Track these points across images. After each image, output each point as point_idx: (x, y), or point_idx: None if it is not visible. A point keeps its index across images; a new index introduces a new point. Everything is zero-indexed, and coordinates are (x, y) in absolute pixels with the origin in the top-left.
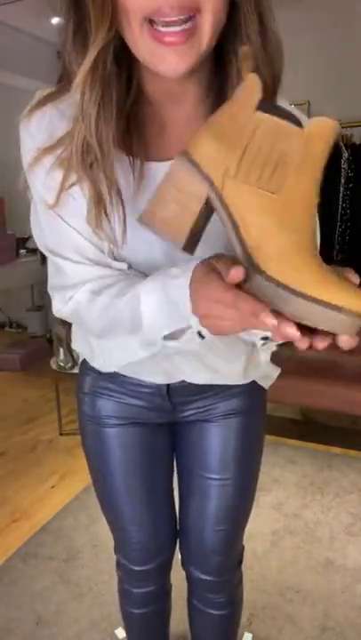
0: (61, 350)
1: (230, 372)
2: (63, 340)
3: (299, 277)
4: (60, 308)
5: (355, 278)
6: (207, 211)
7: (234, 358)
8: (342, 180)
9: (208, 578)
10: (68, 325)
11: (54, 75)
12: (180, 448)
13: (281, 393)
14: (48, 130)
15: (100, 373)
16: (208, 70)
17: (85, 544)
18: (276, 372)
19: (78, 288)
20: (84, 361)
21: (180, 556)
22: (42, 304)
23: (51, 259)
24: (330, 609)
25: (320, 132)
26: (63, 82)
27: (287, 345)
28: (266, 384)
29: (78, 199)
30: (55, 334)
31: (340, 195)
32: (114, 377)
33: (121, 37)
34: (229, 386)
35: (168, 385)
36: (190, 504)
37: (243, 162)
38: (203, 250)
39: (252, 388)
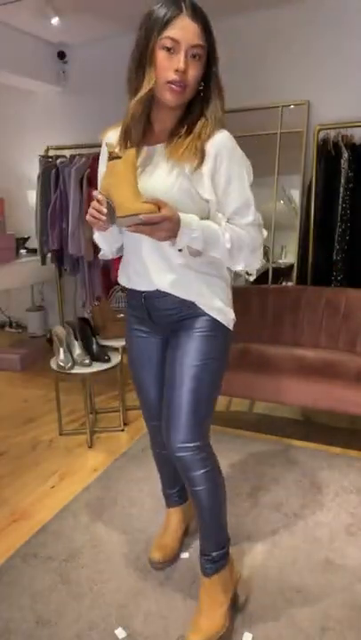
0: (61, 350)
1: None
2: (63, 340)
3: (124, 210)
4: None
5: (147, 199)
6: (109, 204)
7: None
8: (342, 180)
9: (182, 445)
10: (68, 326)
11: (54, 75)
12: (167, 351)
13: (281, 393)
14: (107, 142)
15: (128, 294)
16: (181, 111)
17: (85, 544)
18: (230, 313)
19: None
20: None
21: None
22: (42, 304)
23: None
24: (330, 609)
25: (127, 155)
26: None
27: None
28: (223, 319)
29: None
30: (55, 334)
31: (340, 195)
32: (130, 296)
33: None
34: (189, 309)
35: (144, 298)
36: (170, 382)
37: (108, 182)
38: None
39: (212, 320)
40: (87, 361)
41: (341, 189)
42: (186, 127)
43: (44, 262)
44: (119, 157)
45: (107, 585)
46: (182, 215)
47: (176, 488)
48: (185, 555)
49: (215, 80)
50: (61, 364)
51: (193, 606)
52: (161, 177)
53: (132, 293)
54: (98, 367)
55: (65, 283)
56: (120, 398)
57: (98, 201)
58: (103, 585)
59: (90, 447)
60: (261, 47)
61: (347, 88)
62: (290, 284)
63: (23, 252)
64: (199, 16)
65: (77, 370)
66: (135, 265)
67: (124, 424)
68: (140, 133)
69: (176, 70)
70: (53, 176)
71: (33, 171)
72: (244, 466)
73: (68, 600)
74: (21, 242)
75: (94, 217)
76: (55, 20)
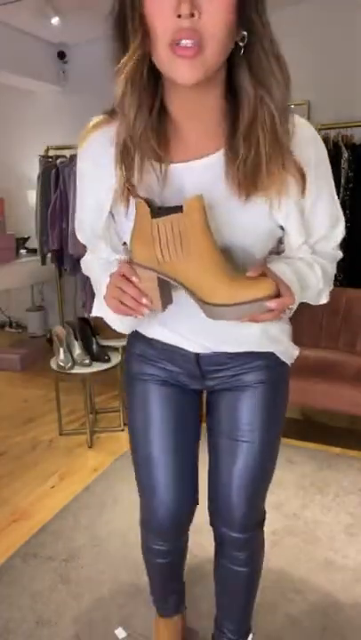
0: (61, 350)
1: (243, 339)
2: (63, 340)
3: (223, 296)
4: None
5: (252, 273)
6: (162, 284)
7: (241, 327)
8: (342, 180)
9: (233, 534)
10: (68, 326)
11: (54, 75)
12: (212, 415)
13: None
14: (92, 157)
15: (145, 342)
16: (220, 101)
17: (85, 544)
18: (295, 350)
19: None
20: (133, 332)
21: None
22: (42, 304)
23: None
24: (330, 609)
25: (191, 206)
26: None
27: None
28: (287, 359)
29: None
30: (55, 334)
31: (340, 195)
32: (153, 345)
33: (153, 69)
34: (252, 358)
35: (198, 355)
36: (219, 464)
37: (162, 250)
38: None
39: (275, 363)
40: (87, 361)
41: (341, 189)
42: (247, 121)
43: (44, 262)
44: (176, 210)
45: (107, 585)
46: (284, 277)
47: (173, 597)
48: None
49: (261, 26)
50: (61, 363)
51: (193, 606)
52: (232, 215)
53: (162, 344)
54: (98, 367)
55: (65, 283)
56: (120, 398)
57: (126, 275)
58: (103, 585)
59: (90, 447)
60: None
61: (347, 88)
62: None
63: (23, 252)
64: None
65: (77, 370)
66: (183, 325)
67: (124, 424)
68: (152, 145)
69: (178, 15)
70: (53, 176)
71: (33, 171)
72: None
73: (68, 600)
74: (21, 242)
75: (121, 309)
76: (55, 20)
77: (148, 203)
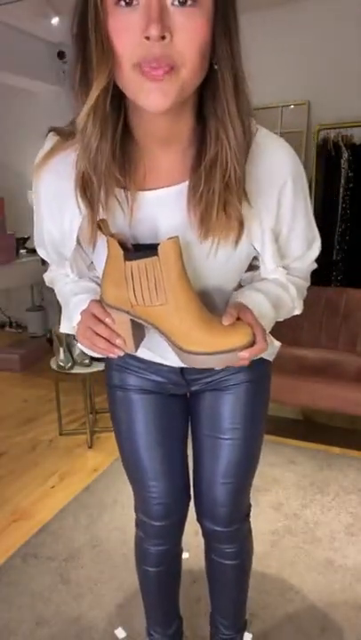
0: (61, 350)
1: None
2: (63, 340)
3: (200, 344)
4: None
5: (226, 321)
6: (134, 325)
7: None
8: (342, 180)
9: (219, 528)
10: None
11: (54, 75)
12: (194, 414)
13: (281, 393)
14: (52, 190)
15: (128, 355)
16: (190, 127)
17: (85, 544)
18: (277, 344)
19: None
20: None
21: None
22: (42, 304)
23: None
24: (330, 609)
25: (166, 250)
26: (71, 127)
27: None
28: (269, 355)
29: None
30: (55, 334)
31: (340, 195)
32: (135, 356)
33: (116, 89)
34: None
35: (182, 367)
36: (202, 462)
37: (135, 294)
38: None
39: (258, 361)
40: (87, 361)
41: (341, 189)
42: (210, 159)
43: (44, 262)
44: (150, 249)
45: (107, 585)
46: (256, 310)
47: (172, 627)
48: (185, 555)
49: (229, 46)
50: (61, 364)
51: (193, 606)
52: (200, 252)
53: (143, 361)
54: (98, 367)
55: None
56: None
57: (98, 317)
58: (103, 585)
59: (90, 447)
60: (261, 47)
61: (347, 88)
62: None
63: (23, 252)
64: None
65: (77, 370)
66: (164, 347)
67: None
68: (106, 174)
69: (147, 38)
70: None
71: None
72: None
73: (68, 600)
74: (21, 242)
75: (96, 350)
76: (55, 20)
77: (121, 242)
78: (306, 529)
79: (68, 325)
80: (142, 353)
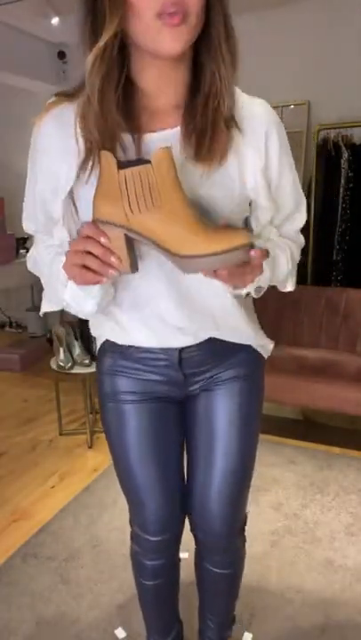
0: (61, 350)
1: (222, 321)
2: (63, 340)
3: (197, 246)
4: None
5: (223, 221)
6: (128, 242)
7: (218, 309)
8: (342, 180)
9: (213, 540)
10: (68, 326)
11: (54, 75)
12: (189, 419)
13: (281, 393)
14: (52, 139)
15: (118, 353)
16: (187, 73)
17: (85, 544)
18: (270, 343)
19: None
20: (102, 346)
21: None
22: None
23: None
24: (330, 609)
25: (159, 157)
26: (74, 90)
27: None
28: (264, 353)
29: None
30: (55, 334)
31: (340, 195)
32: (129, 355)
33: (122, 39)
34: (232, 352)
35: (180, 356)
36: (197, 473)
37: (130, 204)
38: (142, 265)
39: (253, 358)
40: (87, 361)
41: (341, 189)
42: (203, 98)
43: None
44: (144, 162)
45: (107, 585)
46: None
47: (172, 634)
48: (185, 555)
49: (219, 8)
50: (61, 364)
51: (192, 606)
52: (196, 183)
53: (139, 350)
54: None
55: None
56: None
57: (92, 235)
58: (103, 585)
59: (90, 447)
60: (261, 47)
61: (347, 88)
62: None
63: (23, 252)
64: None
65: (77, 370)
66: (162, 306)
67: None
68: (113, 116)
69: None
70: None
71: None
72: None
73: (68, 600)
74: (21, 242)
75: (85, 274)
76: (55, 20)
77: (116, 160)
78: (306, 529)
79: (50, 297)
80: (141, 338)
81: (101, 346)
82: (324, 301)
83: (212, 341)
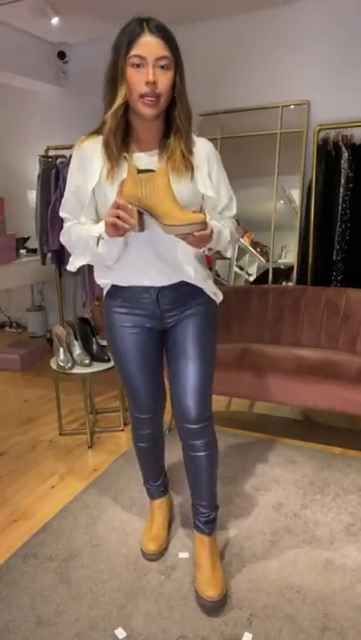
0: (61, 350)
1: (184, 273)
2: (63, 340)
3: (176, 219)
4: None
5: (193, 208)
6: (139, 213)
7: (181, 263)
8: (342, 180)
9: (190, 426)
10: (68, 326)
11: (54, 75)
12: (168, 344)
13: (281, 393)
14: (87, 153)
15: (117, 294)
16: (162, 121)
17: (85, 544)
18: (220, 294)
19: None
20: (108, 290)
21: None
22: (42, 304)
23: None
24: (330, 609)
25: (160, 171)
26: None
27: None
28: (216, 299)
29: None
30: (55, 334)
31: (340, 195)
32: (124, 296)
33: (126, 106)
34: (194, 296)
35: (158, 297)
36: (176, 381)
37: (141, 192)
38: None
39: (208, 301)
40: (87, 361)
41: (341, 189)
42: (172, 138)
43: (44, 262)
44: (150, 171)
45: (107, 585)
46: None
47: (160, 480)
48: (185, 555)
49: (179, 86)
50: (61, 363)
51: (192, 606)
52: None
53: (132, 291)
54: (98, 367)
55: (65, 283)
56: (120, 398)
57: (120, 207)
58: (103, 585)
59: (90, 447)
60: (261, 47)
61: (347, 88)
62: (290, 284)
63: (23, 251)
64: (160, 31)
65: (77, 370)
66: (148, 261)
67: (124, 424)
68: (119, 144)
69: (147, 83)
70: (53, 176)
71: (33, 171)
72: (244, 466)
73: (68, 600)
74: (21, 242)
75: (118, 224)
76: (55, 20)
77: (137, 169)
78: (306, 529)
79: (79, 255)
80: (133, 279)
81: (107, 291)
82: (324, 301)
83: (178, 286)
